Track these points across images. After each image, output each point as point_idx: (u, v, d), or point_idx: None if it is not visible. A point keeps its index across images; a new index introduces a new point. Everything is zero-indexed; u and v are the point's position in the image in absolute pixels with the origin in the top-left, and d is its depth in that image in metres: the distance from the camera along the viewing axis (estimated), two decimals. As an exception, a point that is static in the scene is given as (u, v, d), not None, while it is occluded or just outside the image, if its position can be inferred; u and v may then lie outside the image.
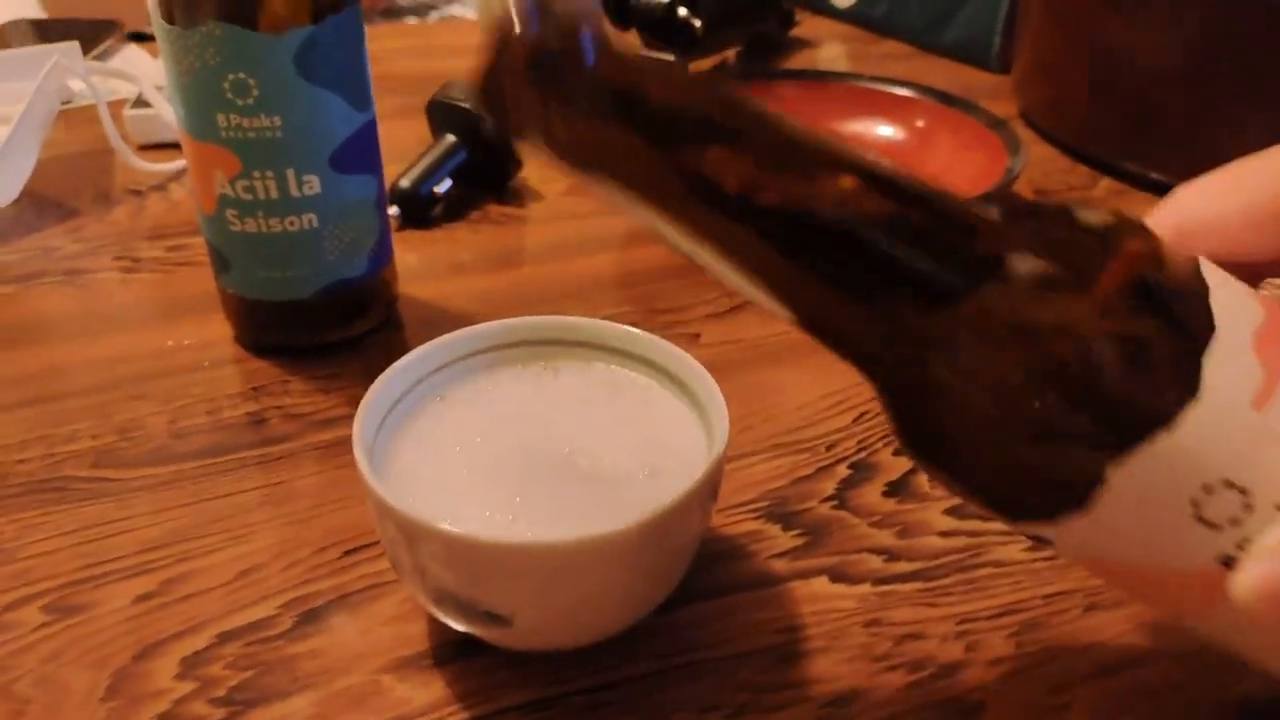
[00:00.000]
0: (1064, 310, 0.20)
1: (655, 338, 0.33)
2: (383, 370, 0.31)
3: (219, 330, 0.45)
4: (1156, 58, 0.58)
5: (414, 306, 0.48)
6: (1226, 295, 0.21)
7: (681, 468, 0.29)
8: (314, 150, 0.39)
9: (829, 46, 0.86)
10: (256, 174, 0.39)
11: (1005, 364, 0.20)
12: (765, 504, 0.36)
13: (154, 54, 0.79)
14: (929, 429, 0.22)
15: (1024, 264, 0.20)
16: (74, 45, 0.70)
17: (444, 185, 0.55)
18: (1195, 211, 0.24)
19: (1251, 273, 0.23)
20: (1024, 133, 0.64)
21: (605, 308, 0.48)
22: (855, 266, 0.21)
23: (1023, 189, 0.60)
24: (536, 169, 0.60)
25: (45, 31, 0.80)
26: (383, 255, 0.44)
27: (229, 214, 0.40)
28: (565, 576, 0.26)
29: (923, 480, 0.37)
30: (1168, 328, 0.20)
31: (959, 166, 0.56)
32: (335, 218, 0.41)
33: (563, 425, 0.31)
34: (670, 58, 0.74)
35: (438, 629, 0.31)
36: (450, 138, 0.56)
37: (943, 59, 0.82)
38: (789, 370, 0.44)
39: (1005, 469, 0.21)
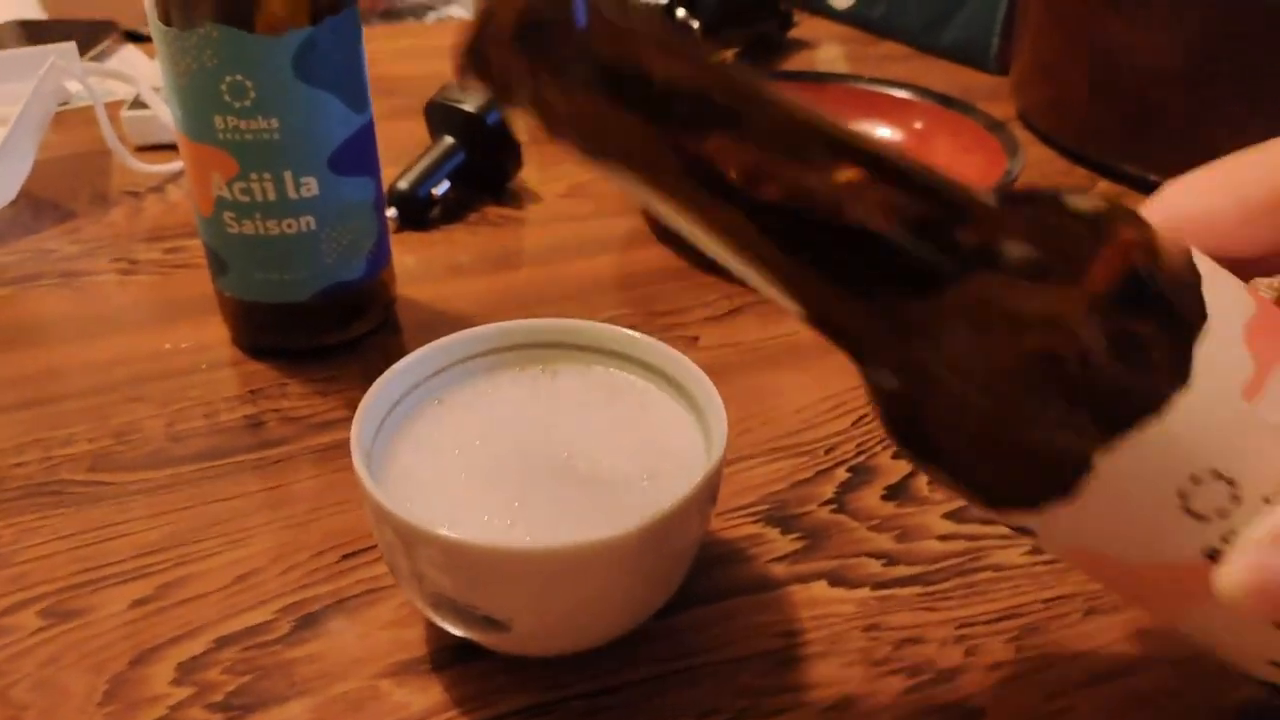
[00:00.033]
0: (1056, 296, 0.20)
1: (654, 340, 0.33)
2: (381, 373, 0.31)
3: (216, 333, 0.45)
4: (1156, 58, 0.57)
5: (412, 309, 0.47)
6: (1219, 285, 0.21)
7: (680, 471, 0.29)
8: (312, 152, 0.39)
9: (827, 48, 0.86)
10: (254, 176, 0.39)
11: (996, 349, 0.20)
12: (764, 507, 0.36)
13: (151, 55, 0.79)
14: (915, 415, 0.22)
15: (1016, 250, 0.20)
16: (71, 46, 0.69)
17: (442, 187, 0.55)
18: (1183, 208, 0.24)
19: (1238, 270, 0.23)
20: (1022, 134, 0.64)
21: (604, 310, 0.48)
22: (843, 248, 0.20)
23: (1022, 190, 0.60)
24: (536, 170, 0.60)
25: (40, 33, 0.80)
26: (381, 257, 0.44)
27: (226, 216, 0.40)
28: (564, 581, 0.26)
29: (922, 484, 0.37)
30: (1160, 314, 0.20)
31: (957, 169, 0.54)
32: (333, 220, 0.41)
33: (561, 429, 0.31)
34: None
35: (436, 634, 0.31)
36: (448, 139, 0.56)
37: (941, 60, 0.82)
38: (788, 373, 0.43)
39: (991, 455, 0.21)
